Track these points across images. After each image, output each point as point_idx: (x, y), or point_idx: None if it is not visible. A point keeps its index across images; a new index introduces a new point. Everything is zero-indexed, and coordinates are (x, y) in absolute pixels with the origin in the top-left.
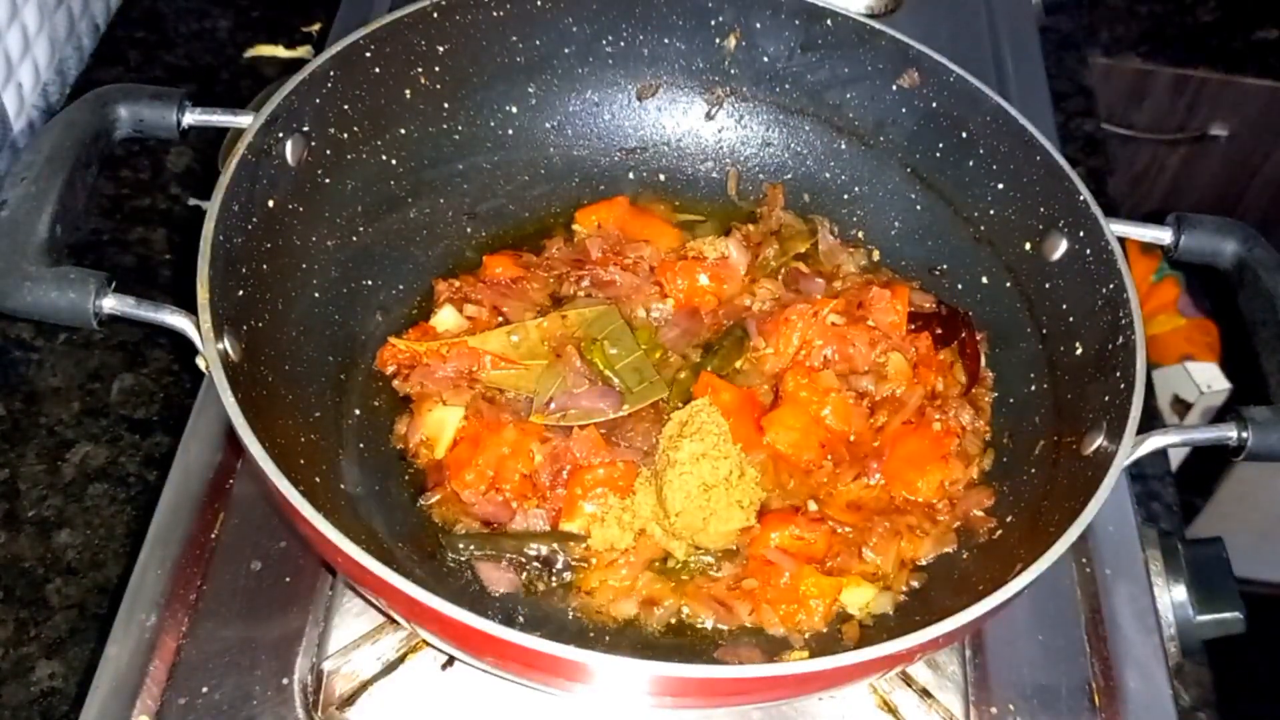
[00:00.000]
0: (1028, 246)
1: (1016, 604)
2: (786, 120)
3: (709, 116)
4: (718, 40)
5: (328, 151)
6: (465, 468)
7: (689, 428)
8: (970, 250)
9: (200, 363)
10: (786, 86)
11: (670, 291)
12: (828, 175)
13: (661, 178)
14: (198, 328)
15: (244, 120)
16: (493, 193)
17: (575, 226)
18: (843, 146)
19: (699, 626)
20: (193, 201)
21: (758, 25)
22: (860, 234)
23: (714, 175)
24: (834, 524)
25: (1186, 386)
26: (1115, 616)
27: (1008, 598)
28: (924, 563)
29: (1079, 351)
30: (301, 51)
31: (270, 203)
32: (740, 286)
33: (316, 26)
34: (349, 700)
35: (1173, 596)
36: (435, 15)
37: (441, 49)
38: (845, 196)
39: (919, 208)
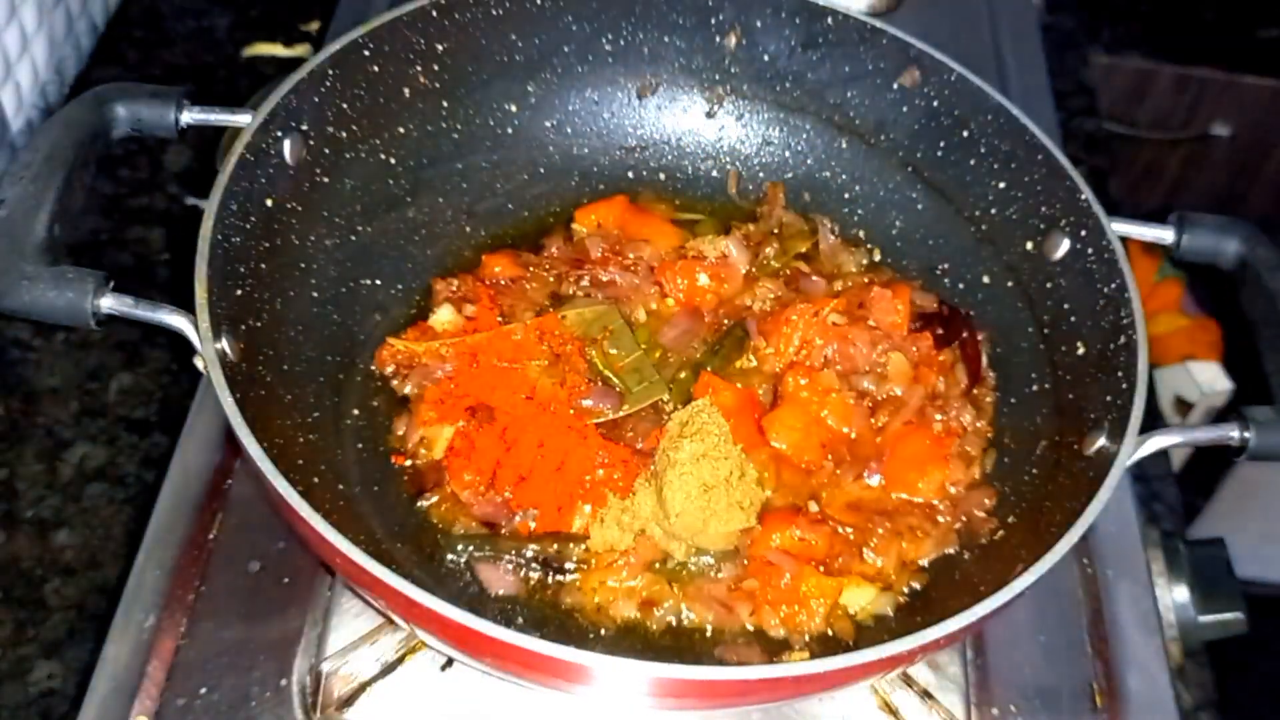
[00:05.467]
0: (1029, 246)
1: (1018, 605)
2: (787, 119)
3: (709, 115)
4: (718, 38)
5: (326, 150)
6: (464, 468)
7: (689, 428)
8: (972, 250)
9: (198, 362)
10: (787, 85)
11: (670, 291)
12: (828, 174)
13: (661, 177)
14: (196, 327)
15: (242, 119)
16: (492, 192)
17: (575, 226)
18: (843, 145)
19: (699, 628)
20: (191, 200)
21: (758, 24)
22: (861, 233)
23: (714, 174)
24: (835, 525)
25: (1188, 386)
26: (1117, 617)
27: (1009, 598)
28: (925, 563)
29: (1081, 351)
30: (300, 50)
31: (268, 202)
32: (740, 286)
33: (315, 25)
34: (348, 701)
35: (1174, 597)
36: (434, 14)
37: (440, 47)
38: (846, 195)
39: (920, 207)
